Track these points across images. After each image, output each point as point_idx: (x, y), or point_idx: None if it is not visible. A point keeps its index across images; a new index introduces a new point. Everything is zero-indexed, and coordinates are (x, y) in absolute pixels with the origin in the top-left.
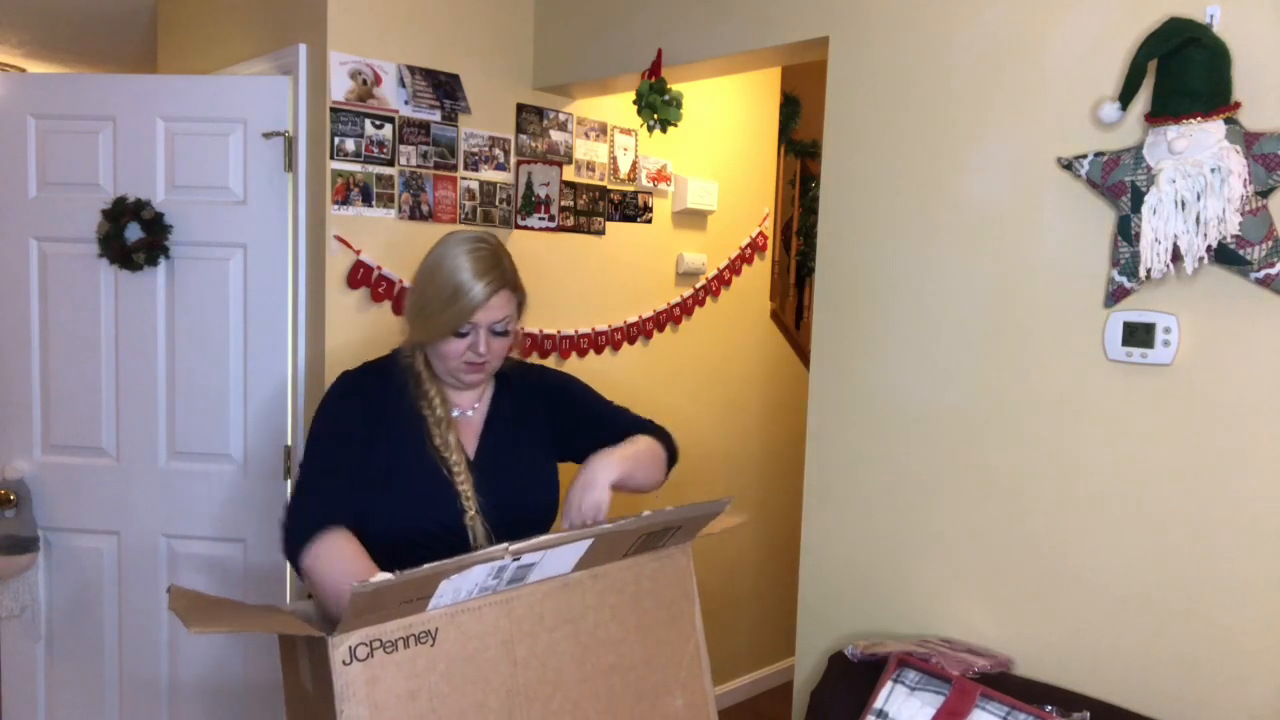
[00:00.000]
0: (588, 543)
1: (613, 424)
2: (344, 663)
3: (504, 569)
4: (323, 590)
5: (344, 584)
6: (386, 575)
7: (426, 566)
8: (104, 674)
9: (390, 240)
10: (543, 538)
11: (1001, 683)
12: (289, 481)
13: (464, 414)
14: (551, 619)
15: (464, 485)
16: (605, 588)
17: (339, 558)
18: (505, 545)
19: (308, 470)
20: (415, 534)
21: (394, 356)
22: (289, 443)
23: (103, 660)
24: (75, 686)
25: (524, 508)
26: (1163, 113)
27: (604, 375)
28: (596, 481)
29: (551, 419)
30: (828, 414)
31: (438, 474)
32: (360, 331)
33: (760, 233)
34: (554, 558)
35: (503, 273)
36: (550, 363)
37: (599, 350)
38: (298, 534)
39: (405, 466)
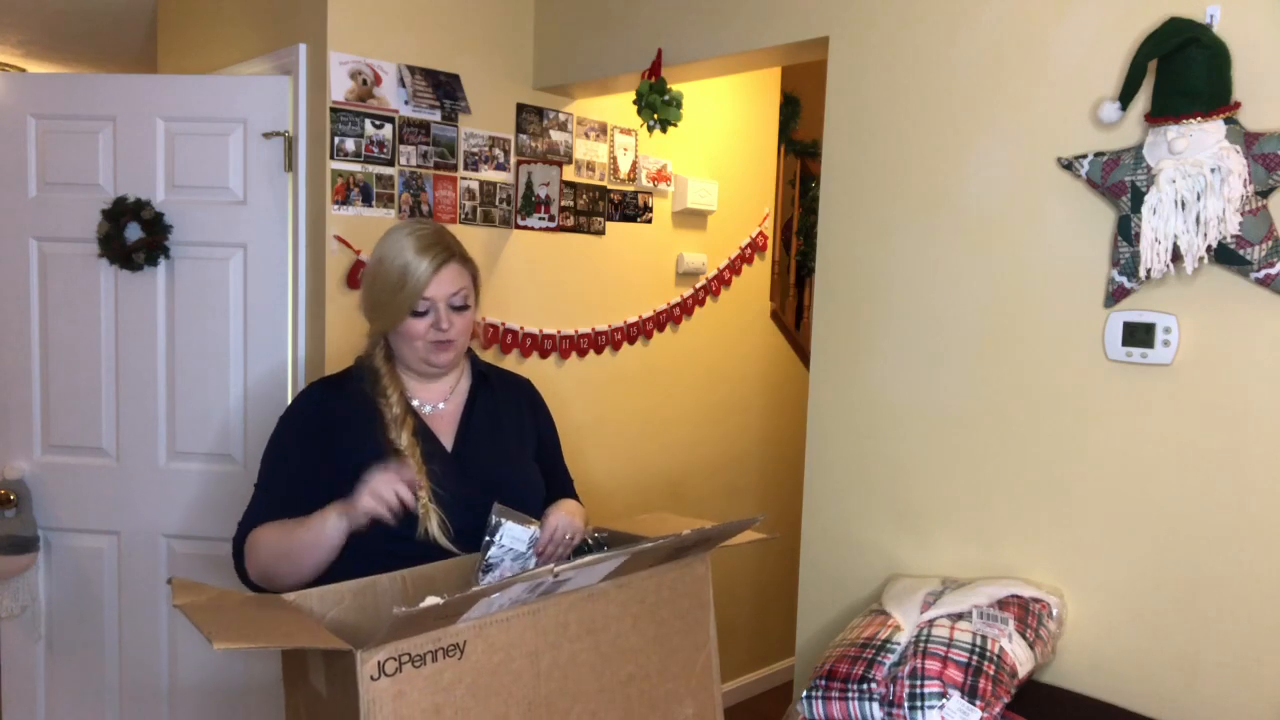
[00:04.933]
0: (623, 559)
1: (560, 477)
2: (372, 678)
3: (540, 585)
4: (281, 569)
5: (294, 545)
6: (435, 599)
7: (472, 590)
8: (104, 674)
9: None
10: (586, 559)
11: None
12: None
13: (435, 408)
14: (576, 629)
15: (420, 488)
16: (628, 597)
17: (270, 541)
18: (550, 567)
19: (254, 493)
20: (380, 540)
21: (355, 363)
22: None
23: (103, 660)
24: (75, 686)
25: (510, 504)
26: (1163, 113)
27: (604, 375)
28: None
29: (536, 429)
30: (828, 414)
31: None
32: (360, 331)
33: (760, 233)
34: (587, 572)
35: (447, 247)
36: (550, 362)
37: (599, 350)
38: (236, 554)
39: (359, 466)
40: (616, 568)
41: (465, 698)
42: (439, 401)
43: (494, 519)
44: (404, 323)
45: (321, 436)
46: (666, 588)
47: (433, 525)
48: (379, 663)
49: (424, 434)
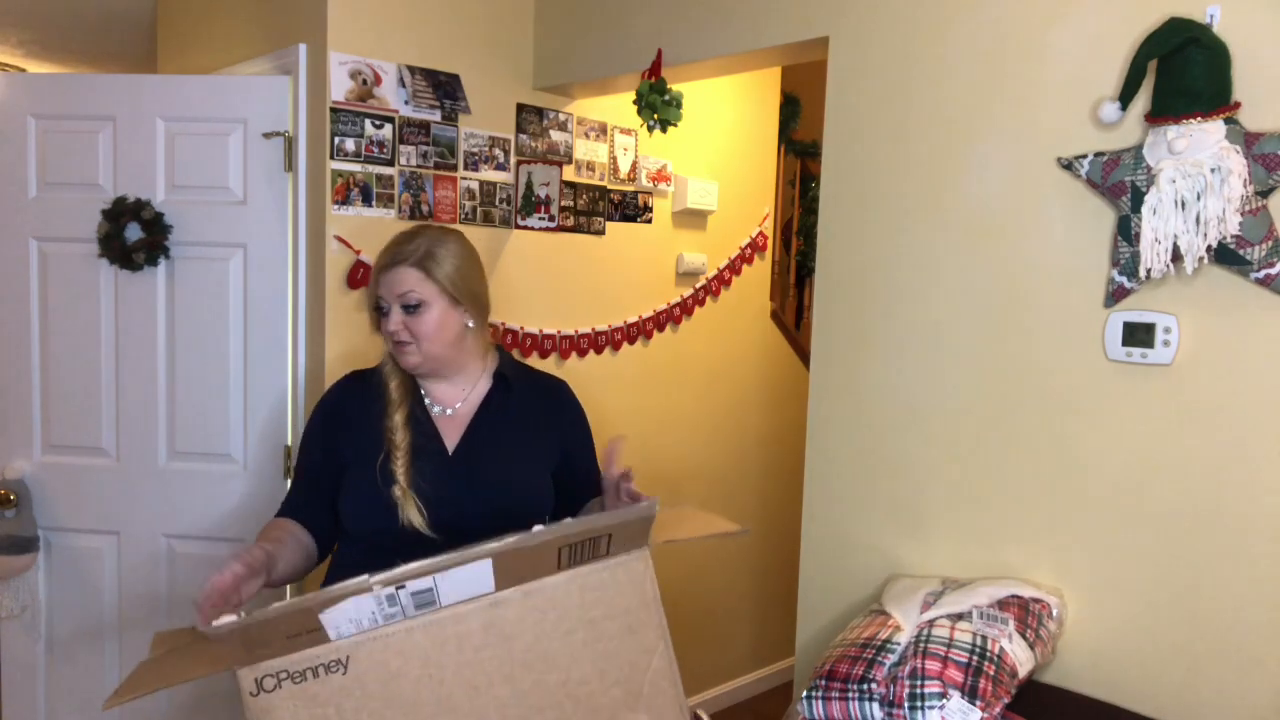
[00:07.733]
0: (487, 563)
1: (594, 479)
2: (251, 694)
3: (395, 598)
4: None
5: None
6: (230, 618)
7: (288, 602)
8: (104, 674)
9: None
10: (421, 563)
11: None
12: (289, 481)
13: (445, 410)
14: (481, 638)
15: (400, 474)
16: (542, 603)
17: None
18: (366, 577)
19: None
20: (362, 526)
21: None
22: (289, 442)
23: (103, 660)
24: (75, 686)
25: (504, 509)
26: (1163, 113)
27: (604, 375)
28: None
29: (562, 435)
30: (828, 414)
31: (377, 466)
32: (360, 331)
33: (760, 233)
34: (464, 580)
35: (411, 251)
36: (550, 363)
37: (599, 350)
38: None
39: (357, 461)
40: (501, 571)
41: (356, 711)
42: (453, 404)
43: None
44: (374, 319)
45: (332, 425)
46: (593, 590)
47: (409, 511)
48: (257, 679)
49: (427, 433)
